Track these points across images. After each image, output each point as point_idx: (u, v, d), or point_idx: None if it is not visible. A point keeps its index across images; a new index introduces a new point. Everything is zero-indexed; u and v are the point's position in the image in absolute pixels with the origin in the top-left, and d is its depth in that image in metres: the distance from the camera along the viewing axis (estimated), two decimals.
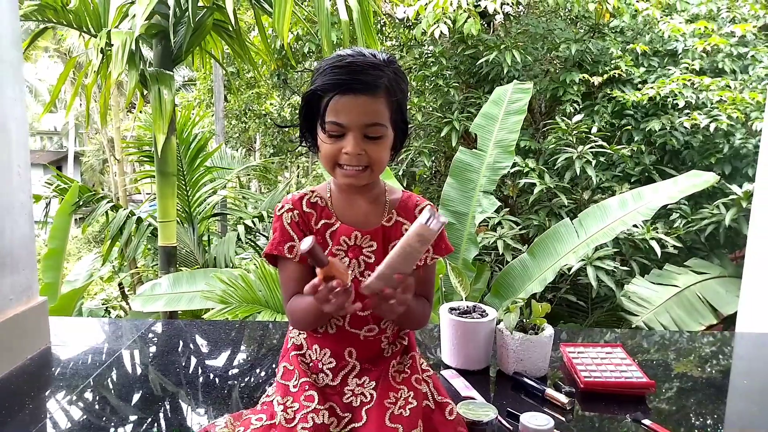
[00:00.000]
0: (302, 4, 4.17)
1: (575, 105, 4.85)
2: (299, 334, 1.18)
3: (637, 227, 3.87)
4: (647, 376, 1.49)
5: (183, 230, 4.83)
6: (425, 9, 4.86)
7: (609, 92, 4.83)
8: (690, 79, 4.52)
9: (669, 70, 4.86)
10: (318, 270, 0.92)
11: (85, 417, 1.38)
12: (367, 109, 1.02)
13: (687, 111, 4.48)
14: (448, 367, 1.63)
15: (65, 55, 17.96)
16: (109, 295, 7.73)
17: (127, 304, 6.31)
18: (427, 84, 5.53)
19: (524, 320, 1.59)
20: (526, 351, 1.53)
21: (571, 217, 3.49)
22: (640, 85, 4.83)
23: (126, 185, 14.60)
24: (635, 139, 4.62)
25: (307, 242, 0.88)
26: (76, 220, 6.43)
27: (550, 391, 1.42)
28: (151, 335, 1.94)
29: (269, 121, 9.08)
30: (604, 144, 4.35)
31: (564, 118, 4.54)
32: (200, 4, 3.46)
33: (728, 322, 3.43)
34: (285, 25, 2.89)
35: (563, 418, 1.35)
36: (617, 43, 5.12)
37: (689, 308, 3.51)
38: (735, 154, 4.36)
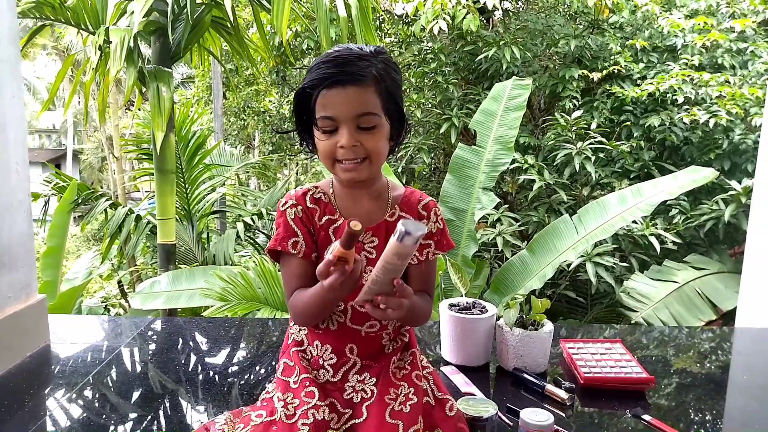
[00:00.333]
0: (301, 0, 4.16)
1: (574, 101, 4.85)
2: (300, 330, 1.17)
3: (636, 223, 3.88)
4: (647, 372, 1.49)
5: (182, 228, 4.83)
6: (424, 5, 4.85)
7: (608, 88, 4.82)
8: (689, 75, 4.51)
9: (668, 65, 4.85)
10: (339, 249, 0.90)
11: (84, 415, 1.38)
12: (355, 99, 1.01)
13: (686, 107, 4.48)
14: (447, 363, 1.63)
15: (63, 53, 17.91)
16: (108, 293, 7.74)
17: (127, 301, 6.32)
18: (426, 80, 5.53)
19: (524, 316, 1.59)
20: (525, 347, 1.53)
21: (570, 213, 3.49)
22: (639, 81, 4.82)
23: (125, 183, 14.58)
24: (634, 135, 4.62)
25: (358, 225, 0.87)
26: (75, 218, 6.42)
27: (550, 387, 1.42)
28: (150, 333, 1.94)
29: (268, 118, 9.06)
30: (604, 140, 4.35)
31: (563, 114, 4.54)
32: (198, 0, 3.46)
33: (727, 317, 3.44)
34: (284, 21, 2.89)
35: (563, 414, 1.35)
36: (616, 39, 5.12)
37: (688, 304, 3.51)
38: (734, 149, 4.36)
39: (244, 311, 2.82)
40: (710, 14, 5.30)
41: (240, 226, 4.82)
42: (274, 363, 1.66)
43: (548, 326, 1.57)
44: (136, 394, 1.47)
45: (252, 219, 4.95)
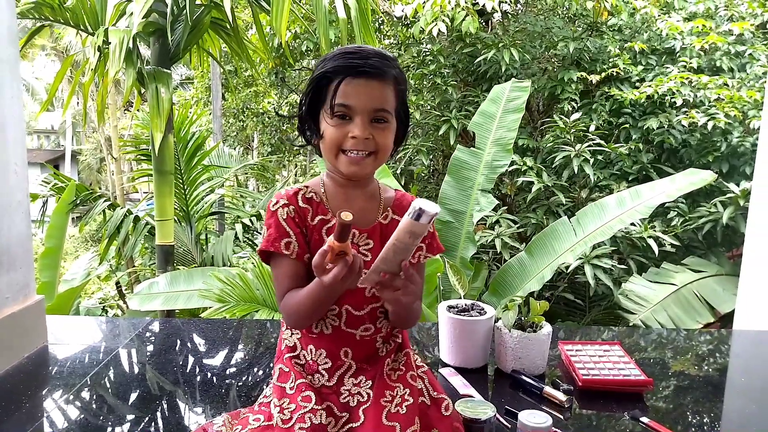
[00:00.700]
0: (300, 2, 4.16)
1: (573, 103, 4.85)
2: (292, 334, 1.16)
3: (634, 225, 3.88)
4: (645, 374, 1.49)
5: (180, 229, 4.82)
6: (423, 7, 4.86)
7: (607, 90, 4.83)
8: (688, 78, 4.52)
9: (667, 68, 4.86)
10: (335, 243, 0.89)
11: (82, 416, 1.37)
12: (377, 93, 1.03)
13: (685, 109, 4.48)
14: (446, 365, 1.63)
15: (62, 54, 17.90)
16: (106, 294, 7.73)
17: (125, 303, 6.30)
18: (425, 82, 5.53)
19: (522, 318, 1.59)
20: (524, 349, 1.53)
21: (568, 215, 3.49)
22: (638, 84, 4.83)
23: (123, 184, 14.57)
24: (633, 138, 4.62)
25: (349, 216, 0.86)
26: (73, 218, 6.41)
27: (548, 389, 1.42)
28: (148, 334, 1.94)
29: (267, 119, 9.06)
30: (602, 142, 4.35)
31: (562, 116, 4.54)
32: (198, 2, 3.46)
33: (725, 320, 3.44)
34: (283, 23, 2.89)
35: (561, 416, 1.35)
36: (615, 42, 5.13)
37: (687, 306, 3.51)
38: (732, 152, 4.37)
39: (242, 312, 2.81)
40: (709, 17, 5.31)
41: (238, 227, 4.81)
42: (271, 365, 1.66)
43: (547, 328, 1.57)
44: (134, 396, 1.47)
45: (251, 220, 4.95)
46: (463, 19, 4.75)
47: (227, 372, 1.64)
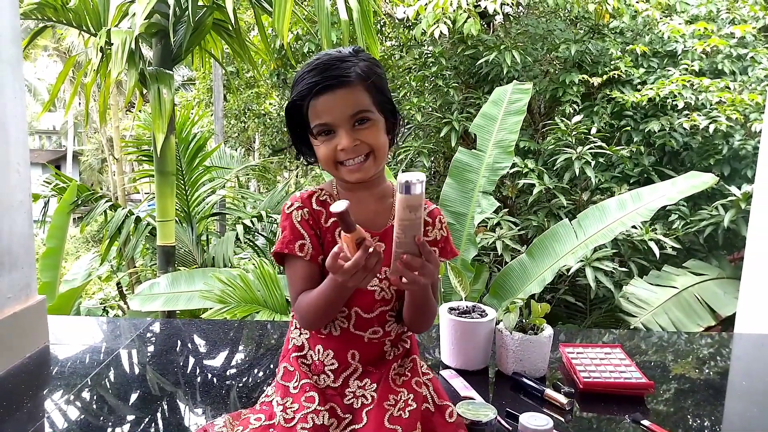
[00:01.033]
0: (302, 3, 4.17)
1: (574, 106, 4.85)
2: (300, 334, 1.16)
3: (635, 228, 3.88)
4: (646, 377, 1.49)
5: (182, 230, 4.83)
6: (425, 9, 4.86)
7: (608, 93, 4.83)
8: (689, 80, 4.52)
9: (668, 71, 4.87)
10: (344, 236, 0.90)
11: (82, 416, 1.37)
12: (346, 101, 1.02)
13: (686, 112, 4.48)
14: (447, 367, 1.63)
15: (64, 54, 17.94)
16: (107, 294, 7.73)
17: (125, 303, 6.31)
18: (426, 84, 5.53)
19: (523, 320, 1.59)
20: (525, 351, 1.53)
21: (570, 217, 3.49)
22: (639, 86, 4.83)
23: (125, 184, 14.58)
24: (634, 140, 4.62)
25: (341, 204, 0.86)
26: (74, 219, 6.41)
27: (549, 392, 1.42)
28: (149, 335, 1.94)
29: (268, 120, 9.07)
30: (604, 145, 4.35)
31: (563, 118, 4.55)
32: (200, 3, 3.46)
33: (726, 323, 3.44)
34: (285, 24, 2.89)
35: (562, 419, 1.35)
36: (617, 44, 5.13)
37: (687, 309, 3.51)
38: (734, 155, 4.37)
39: (243, 314, 2.82)
40: (710, 20, 5.31)
41: (239, 228, 4.81)
42: (272, 366, 1.66)
43: (548, 330, 1.57)
44: (134, 396, 1.47)
45: (252, 221, 4.95)
46: (465, 21, 4.75)
47: (228, 373, 1.64)
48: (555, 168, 4.46)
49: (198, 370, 1.66)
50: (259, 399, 1.19)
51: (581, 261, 3.62)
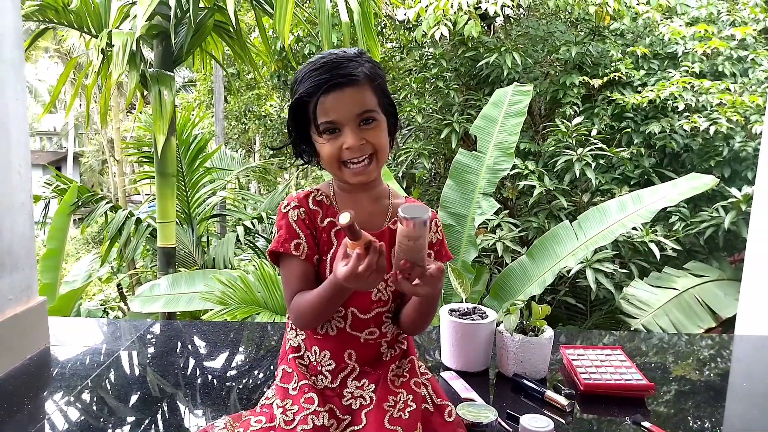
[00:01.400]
0: (303, 5, 4.17)
1: (575, 107, 4.86)
2: (297, 335, 1.17)
3: (636, 230, 3.87)
4: (647, 379, 1.49)
5: (182, 231, 4.83)
6: (426, 11, 4.87)
7: (609, 95, 4.83)
8: (690, 82, 4.52)
9: (669, 72, 4.87)
10: (350, 243, 0.91)
11: (83, 418, 1.37)
12: (355, 99, 1.02)
13: (687, 114, 4.48)
14: (447, 368, 1.63)
15: (65, 56, 17.97)
16: (107, 296, 7.73)
17: (126, 305, 6.31)
18: (427, 86, 5.54)
19: (524, 322, 1.59)
20: (525, 353, 1.53)
21: (570, 219, 3.49)
22: (640, 88, 4.83)
23: (125, 186, 14.59)
24: (635, 142, 4.62)
25: (346, 217, 0.87)
26: (75, 220, 6.42)
27: (549, 393, 1.42)
28: (149, 336, 1.94)
29: (269, 122, 9.08)
30: (604, 146, 4.35)
31: (564, 120, 4.55)
32: (201, 5, 3.47)
33: (727, 325, 3.43)
34: (286, 26, 2.90)
35: (563, 420, 1.35)
36: (617, 46, 5.13)
37: (688, 311, 3.51)
38: (734, 157, 4.37)
39: (243, 315, 2.82)
40: (711, 22, 5.32)
41: (240, 229, 4.82)
42: (273, 367, 1.66)
43: (548, 332, 1.57)
44: (134, 398, 1.47)
45: (252, 223, 4.96)
46: (466, 23, 4.76)
47: (228, 374, 1.64)
48: (555, 170, 4.46)
49: (198, 372, 1.66)
50: (259, 401, 1.19)
51: (582, 262, 3.62)
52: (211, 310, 2.96)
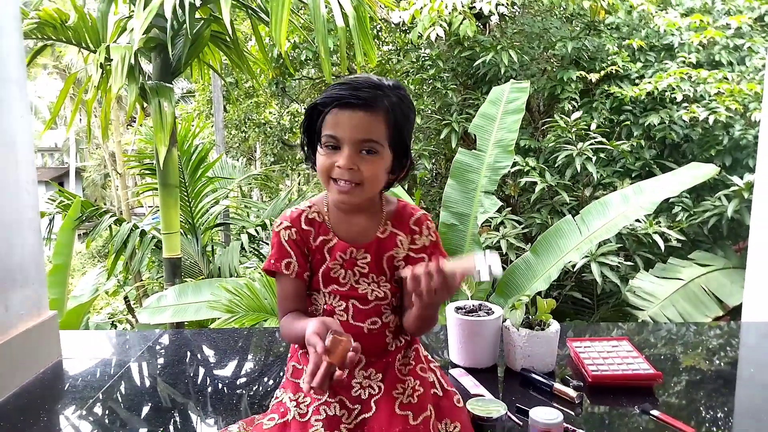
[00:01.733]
0: (299, 12, 4.19)
1: (573, 102, 4.87)
2: None
3: (639, 222, 3.88)
4: (654, 368, 1.50)
5: (187, 241, 4.85)
6: (420, 13, 4.89)
7: (607, 88, 4.84)
8: (687, 73, 4.53)
9: (666, 64, 4.88)
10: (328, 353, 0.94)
11: (96, 430, 1.39)
12: (363, 124, 1.03)
13: (685, 104, 4.49)
14: (456, 365, 1.64)
15: (64, 72, 18.06)
16: (114, 309, 7.76)
17: (134, 317, 6.33)
18: (425, 87, 5.56)
19: (530, 317, 1.60)
20: (533, 347, 1.54)
21: (573, 214, 3.50)
22: (637, 81, 4.84)
23: (128, 198, 14.64)
24: (634, 134, 4.63)
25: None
26: (79, 235, 6.44)
27: (558, 386, 1.43)
28: (159, 346, 1.96)
29: (269, 129, 9.11)
30: (604, 140, 4.36)
31: (563, 115, 4.56)
32: (197, 16, 3.49)
33: (734, 313, 3.43)
34: (282, 33, 2.92)
35: (572, 412, 1.36)
36: (613, 40, 5.14)
37: (695, 301, 3.51)
38: (735, 145, 4.37)
39: (251, 322, 2.83)
40: (706, 12, 5.32)
41: (244, 237, 4.83)
42: (282, 373, 1.67)
43: (555, 326, 1.58)
44: (146, 408, 1.48)
45: (256, 230, 4.97)
46: (461, 23, 4.78)
47: (238, 382, 1.65)
48: (556, 165, 4.47)
49: (209, 380, 1.67)
50: (270, 405, 1.21)
51: (586, 257, 3.62)
52: (219, 318, 2.97)
